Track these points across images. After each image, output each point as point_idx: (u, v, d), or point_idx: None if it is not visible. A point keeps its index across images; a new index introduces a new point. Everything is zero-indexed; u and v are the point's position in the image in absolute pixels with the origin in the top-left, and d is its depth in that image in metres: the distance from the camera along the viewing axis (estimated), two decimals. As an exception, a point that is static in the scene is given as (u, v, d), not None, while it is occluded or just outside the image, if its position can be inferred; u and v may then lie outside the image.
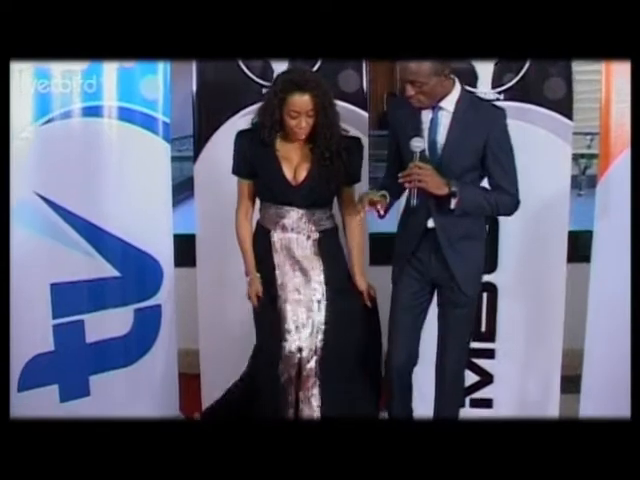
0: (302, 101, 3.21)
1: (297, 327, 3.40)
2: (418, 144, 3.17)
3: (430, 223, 3.28)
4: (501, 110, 3.31)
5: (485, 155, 3.21)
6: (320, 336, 3.40)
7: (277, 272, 3.43)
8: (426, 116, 3.24)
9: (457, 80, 3.24)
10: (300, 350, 3.39)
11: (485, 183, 3.33)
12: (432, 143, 3.23)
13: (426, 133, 3.23)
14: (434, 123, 3.22)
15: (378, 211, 3.22)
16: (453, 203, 3.16)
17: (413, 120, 3.25)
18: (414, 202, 3.21)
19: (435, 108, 3.21)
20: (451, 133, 3.21)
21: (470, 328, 3.53)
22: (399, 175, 3.18)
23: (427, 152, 3.21)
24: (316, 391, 3.41)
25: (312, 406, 3.43)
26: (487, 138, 3.19)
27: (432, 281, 3.38)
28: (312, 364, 3.40)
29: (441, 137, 3.22)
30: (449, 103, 3.21)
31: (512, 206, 3.29)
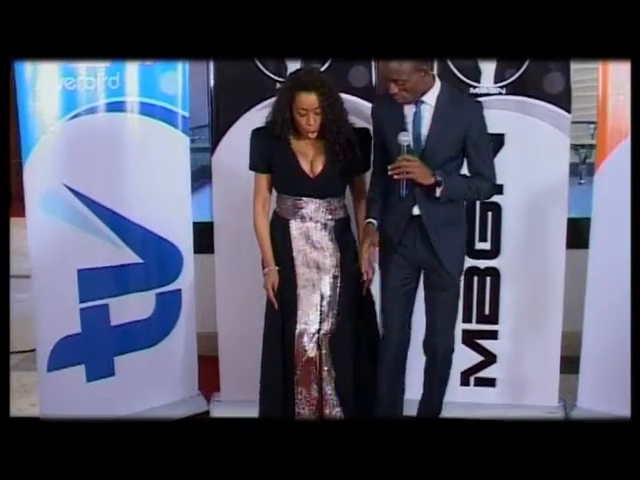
0: (309, 99, 3.34)
1: (316, 310, 3.51)
2: (405, 138, 3.31)
3: (415, 211, 3.40)
4: (479, 103, 3.48)
5: (465, 145, 3.35)
6: (337, 317, 3.53)
7: (295, 257, 3.54)
8: (409, 111, 3.36)
9: (437, 76, 3.38)
10: (320, 331, 3.52)
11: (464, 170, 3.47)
12: (416, 136, 3.35)
13: (410, 127, 3.35)
14: (417, 117, 3.35)
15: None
16: (438, 192, 3.31)
17: (397, 116, 3.37)
18: (403, 192, 3.35)
19: (418, 103, 3.33)
20: (434, 126, 3.34)
21: (457, 309, 3.64)
22: (389, 167, 3.31)
23: (412, 144, 3.34)
24: (332, 368, 3.54)
25: (332, 384, 3.56)
26: (467, 129, 3.33)
27: (419, 266, 3.50)
28: (328, 342, 3.52)
29: (424, 130, 3.35)
30: (431, 97, 3.33)
31: (491, 191, 3.46)
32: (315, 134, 3.44)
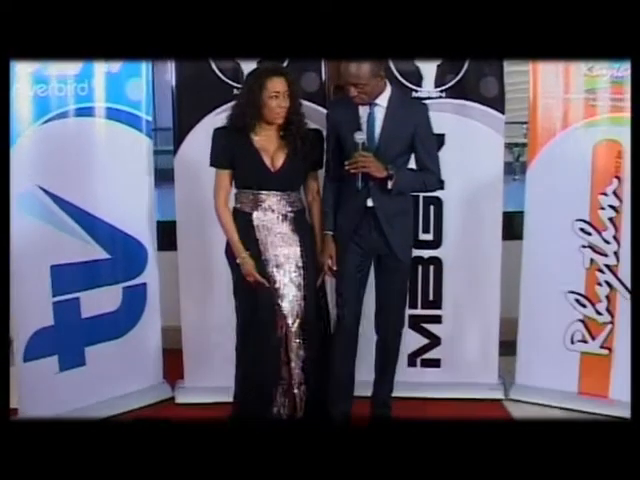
0: (280, 82, 3.57)
1: (281, 296, 3.66)
2: (361, 136, 3.59)
3: (369, 202, 3.65)
4: (425, 105, 3.77)
5: (414, 142, 3.64)
6: (301, 302, 3.69)
7: (261, 248, 3.66)
8: (363, 112, 3.64)
9: (387, 81, 3.66)
10: (285, 316, 3.67)
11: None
12: (370, 134, 3.62)
13: (365, 126, 3.63)
14: (371, 117, 3.63)
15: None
16: (390, 184, 3.59)
17: (352, 116, 3.65)
18: (359, 185, 3.63)
19: (371, 105, 3.63)
20: (386, 125, 3.63)
21: (406, 290, 3.90)
22: (345, 163, 3.58)
23: (366, 142, 3.58)
24: (301, 350, 3.71)
25: (298, 363, 3.72)
26: (415, 128, 3.64)
27: (371, 252, 3.75)
28: (295, 327, 3.69)
29: (377, 129, 3.63)
30: (383, 100, 3.63)
31: (437, 183, 3.75)
32: (282, 120, 3.63)
